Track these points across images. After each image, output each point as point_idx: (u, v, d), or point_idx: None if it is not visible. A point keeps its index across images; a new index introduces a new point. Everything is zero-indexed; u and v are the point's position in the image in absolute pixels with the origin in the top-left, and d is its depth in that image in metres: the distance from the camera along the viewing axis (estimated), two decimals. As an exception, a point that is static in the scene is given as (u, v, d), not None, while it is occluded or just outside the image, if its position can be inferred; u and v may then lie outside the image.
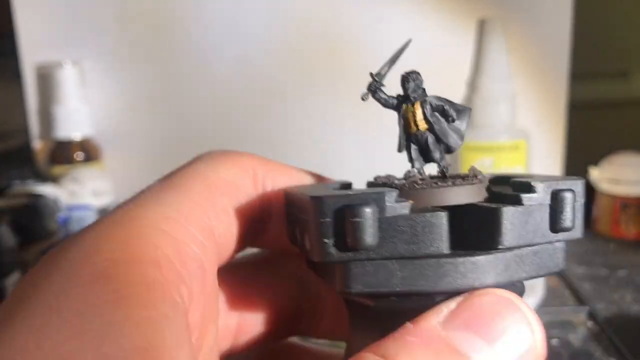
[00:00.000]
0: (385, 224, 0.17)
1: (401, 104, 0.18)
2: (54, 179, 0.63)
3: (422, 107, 0.18)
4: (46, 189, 0.57)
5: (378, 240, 0.17)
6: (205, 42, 0.64)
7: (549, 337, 0.45)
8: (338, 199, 0.17)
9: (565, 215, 0.17)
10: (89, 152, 0.64)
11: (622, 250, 0.58)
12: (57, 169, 0.64)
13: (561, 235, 0.18)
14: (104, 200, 0.62)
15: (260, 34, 0.64)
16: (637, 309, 0.48)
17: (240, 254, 0.22)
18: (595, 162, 0.59)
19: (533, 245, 0.18)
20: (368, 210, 0.16)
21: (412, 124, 0.18)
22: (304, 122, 0.65)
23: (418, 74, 0.18)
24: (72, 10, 0.65)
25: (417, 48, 0.70)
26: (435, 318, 0.16)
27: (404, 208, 0.17)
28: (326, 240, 0.17)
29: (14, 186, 0.58)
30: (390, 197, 0.17)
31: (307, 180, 0.23)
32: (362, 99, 0.18)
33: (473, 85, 0.61)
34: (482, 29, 0.60)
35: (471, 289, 0.17)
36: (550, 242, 0.18)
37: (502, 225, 0.17)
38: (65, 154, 0.64)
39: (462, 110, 0.18)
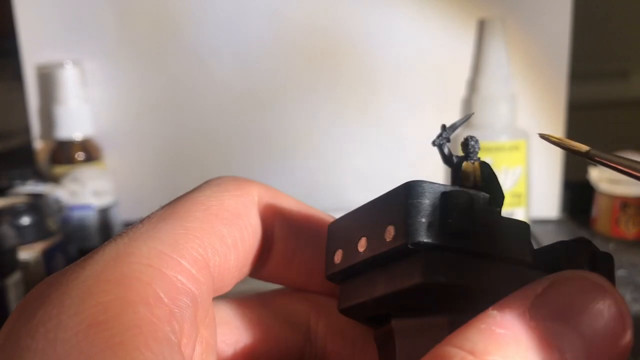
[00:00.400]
0: (482, 218, 0.17)
1: (460, 162, 0.18)
2: (54, 179, 0.63)
3: (482, 167, 0.18)
4: (47, 189, 0.57)
5: (475, 230, 0.16)
6: (206, 41, 0.64)
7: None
8: (439, 185, 0.17)
9: None
10: (89, 152, 0.64)
11: (622, 250, 0.58)
12: (58, 169, 0.64)
13: None
14: (105, 200, 0.62)
15: (260, 34, 0.64)
16: (637, 308, 0.48)
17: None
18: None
19: None
20: (469, 199, 0.16)
21: (472, 179, 0.18)
22: (304, 122, 0.65)
23: (477, 140, 0.19)
24: (73, 10, 0.65)
25: (417, 48, 0.70)
26: (522, 304, 0.15)
27: (495, 211, 0.17)
28: (424, 220, 0.16)
29: (15, 186, 0.58)
30: (485, 198, 0.17)
31: (316, 214, 0.22)
32: (433, 144, 0.19)
33: (473, 85, 0.61)
34: (482, 29, 0.60)
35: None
36: None
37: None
38: (66, 154, 0.64)
39: (501, 192, 0.19)
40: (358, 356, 0.22)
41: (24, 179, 0.61)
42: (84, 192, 0.60)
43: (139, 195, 0.67)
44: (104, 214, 0.62)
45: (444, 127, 0.19)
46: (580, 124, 0.66)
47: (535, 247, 0.18)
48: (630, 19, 0.80)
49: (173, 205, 0.20)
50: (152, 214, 0.20)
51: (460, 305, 0.17)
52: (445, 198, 0.16)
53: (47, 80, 0.65)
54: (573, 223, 0.65)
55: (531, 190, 0.63)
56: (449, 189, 0.17)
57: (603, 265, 0.18)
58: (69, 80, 0.64)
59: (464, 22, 0.61)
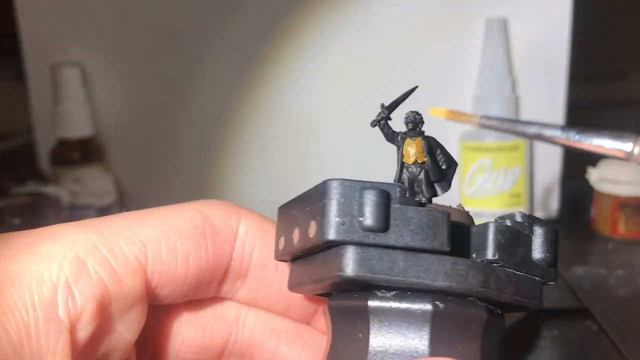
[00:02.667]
0: (396, 212, 0.17)
1: (403, 139, 0.19)
2: (56, 179, 0.63)
3: (423, 142, 0.19)
4: (48, 189, 0.58)
5: (388, 226, 0.17)
6: (208, 41, 0.64)
7: (548, 337, 0.45)
8: (356, 182, 0.18)
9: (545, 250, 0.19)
10: (91, 152, 0.65)
11: (621, 250, 0.58)
12: (59, 169, 0.64)
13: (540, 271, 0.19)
14: (106, 200, 0.62)
15: (261, 33, 0.64)
16: (636, 308, 0.49)
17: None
18: (594, 162, 0.60)
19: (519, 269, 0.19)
20: (383, 194, 0.17)
21: (410, 155, 0.19)
22: (305, 121, 0.65)
23: (419, 113, 0.20)
24: (75, 11, 0.65)
25: (417, 48, 0.70)
26: None
27: (412, 202, 0.18)
28: (338, 219, 0.17)
29: (16, 186, 0.59)
30: (402, 191, 0.18)
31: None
32: (372, 125, 0.20)
33: (474, 84, 0.62)
34: (482, 29, 0.60)
35: (466, 293, 0.18)
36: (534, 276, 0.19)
37: (489, 239, 0.18)
38: (68, 153, 0.64)
39: (452, 161, 0.20)
40: (281, 348, 0.23)
41: (26, 179, 0.61)
42: (85, 192, 0.60)
43: (140, 196, 0.67)
44: (105, 214, 0.62)
45: (382, 105, 0.20)
46: (580, 124, 0.66)
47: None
48: (630, 19, 0.80)
49: (143, 210, 0.21)
50: (125, 212, 0.21)
51: (383, 291, 0.18)
52: (360, 196, 0.17)
53: (49, 80, 0.65)
54: (572, 223, 0.65)
55: (531, 190, 0.63)
56: (366, 185, 0.18)
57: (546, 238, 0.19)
58: (71, 81, 0.64)
59: (464, 22, 0.61)
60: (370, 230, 0.17)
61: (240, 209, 0.22)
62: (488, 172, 0.59)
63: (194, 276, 0.21)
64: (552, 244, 0.19)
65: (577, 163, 0.62)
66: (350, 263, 0.17)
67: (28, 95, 0.68)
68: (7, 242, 0.18)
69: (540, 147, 0.63)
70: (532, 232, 0.19)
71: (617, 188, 0.58)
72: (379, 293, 0.18)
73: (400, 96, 0.20)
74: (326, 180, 0.18)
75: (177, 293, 0.21)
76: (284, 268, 0.22)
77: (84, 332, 0.18)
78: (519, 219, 0.19)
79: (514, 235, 0.19)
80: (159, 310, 0.21)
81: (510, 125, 0.17)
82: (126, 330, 0.20)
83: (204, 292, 0.22)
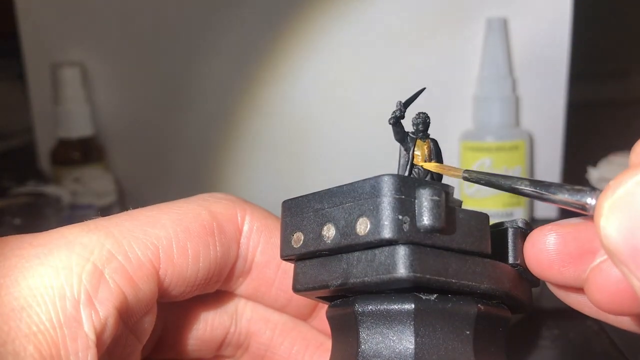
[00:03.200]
0: (450, 213, 0.17)
1: (413, 140, 0.19)
2: (56, 179, 0.63)
3: (432, 145, 0.19)
4: (49, 189, 0.58)
5: (447, 226, 0.17)
6: (208, 41, 0.64)
7: (548, 337, 0.45)
8: (411, 179, 0.17)
9: None
10: (91, 152, 0.65)
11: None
12: (59, 169, 0.64)
13: None
14: (107, 200, 0.62)
15: (261, 34, 0.64)
16: (636, 308, 0.48)
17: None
18: (595, 162, 0.59)
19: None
20: (443, 194, 0.17)
21: (420, 157, 0.19)
22: (305, 122, 0.65)
23: (429, 116, 0.19)
24: (75, 10, 0.65)
25: (417, 48, 0.70)
26: None
27: (458, 203, 0.18)
28: (399, 216, 0.16)
29: (16, 186, 0.59)
30: (452, 191, 0.17)
31: None
32: (390, 122, 0.19)
33: (474, 84, 0.62)
34: (482, 29, 0.60)
35: (502, 296, 0.18)
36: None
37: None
38: (68, 153, 0.64)
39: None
40: (276, 339, 0.24)
41: (26, 179, 0.61)
42: (85, 192, 0.60)
43: (140, 196, 0.67)
44: (106, 214, 0.62)
45: (399, 103, 0.19)
46: (580, 124, 0.66)
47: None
48: (630, 19, 0.80)
49: (150, 208, 0.21)
50: (131, 210, 0.21)
51: (425, 294, 0.17)
52: (421, 194, 0.17)
53: (50, 80, 0.65)
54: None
55: (531, 190, 0.63)
56: (423, 183, 0.17)
57: None
58: (71, 81, 0.64)
59: (465, 22, 0.61)
60: (430, 230, 0.16)
61: (245, 204, 0.22)
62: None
63: (204, 275, 0.21)
64: None
65: (577, 163, 0.62)
66: (408, 263, 0.16)
67: (28, 95, 0.68)
68: (19, 250, 0.18)
69: (540, 147, 0.63)
70: None
71: (617, 188, 0.58)
72: (423, 296, 0.17)
73: (411, 96, 0.20)
74: (381, 175, 0.17)
75: (187, 292, 0.21)
76: (286, 267, 0.22)
77: (106, 343, 0.18)
78: (521, 224, 0.19)
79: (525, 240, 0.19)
80: (164, 306, 0.21)
81: (488, 179, 0.18)
82: (140, 334, 0.20)
83: (210, 288, 0.22)
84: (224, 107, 0.66)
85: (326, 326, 0.22)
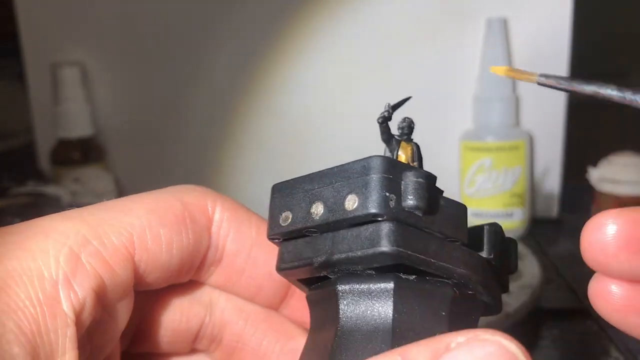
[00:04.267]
0: (433, 198, 0.18)
1: (398, 142, 0.20)
2: (56, 179, 0.63)
3: (414, 148, 0.20)
4: (48, 189, 0.58)
5: (430, 208, 0.18)
6: (208, 41, 0.64)
7: (548, 337, 0.46)
8: (400, 163, 0.18)
9: None
10: (91, 152, 0.65)
11: (622, 249, 0.58)
12: (59, 169, 0.64)
13: None
14: (107, 200, 0.62)
15: (261, 34, 0.64)
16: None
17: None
18: (595, 162, 0.60)
19: None
20: (430, 178, 0.18)
21: (404, 158, 0.20)
22: (305, 121, 0.65)
23: (413, 120, 0.20)
24: (75, 10, 0.65)
25: (417, 48, 0.70)
26: (432, 357, 0.15)
27: (440, 191, 0.18)
28: (388, 194, 0.17)
29: (16, 186, 0.59)
30: (435, 179, 0.18)
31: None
32: (378, 121, 0.20)
33: (474, 85, 0.62)
34: (482, 29, 0.60)
35: (479, 284, 0.19)
36: None
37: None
38: (68, 153, 0.64)
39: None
40: (248, 330, 0.24)
41: (26, 178, 0.61)
42: (85, 191, 0.60)
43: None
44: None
45: (388, 105, 0.20)
46: (580, 124, 0.66)
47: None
48: (630, 19, 0.80)
49: (124, 199, 0.22)
50: (105, 201, 0.21)
51: (406, 273, 0.18)
52: (407, 176, 0.18)
53: (49, 80, 0.65)
54: (572, 223, 0.65)
55: (531, 190, 0.63)
56: (409, 167, 0.18)
57: (511, 247, 0.21)
58: (71, 81, 0.64)
59: (465, 22, 0.61)
60: (414, 209, 0.17)
61: (216, 195, 0.23)
62: (488, 172, 0.59)
63: (177, 263, 0.21)
64: (515, 255, 0.21)
65: (577, 163, 0.62)
66: (393, 238, 0.17)
67: (28, 95, 0.68)
68: None
69: (540, 147, 0.63)
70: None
71: (618, 188, 0.58)
72: (402, 276, 0.18)
73: (399, 101, 0.21)
74: (371, 156, 0.18)
75: (161, 279, 0.21)
76: (255, 256, 0.23)
77: (85, 324, 0.19)
78: (497, 226, 0.21)
79: (501, 239, 0.20)
80: (138, 297, 0.22)
81: (568, 84, 0.17)
82: (118, 319, 0.20)
83: (183, 277, 0.23)
84: (223, 107, 0.66)
85: (296, 315, 0.24)
